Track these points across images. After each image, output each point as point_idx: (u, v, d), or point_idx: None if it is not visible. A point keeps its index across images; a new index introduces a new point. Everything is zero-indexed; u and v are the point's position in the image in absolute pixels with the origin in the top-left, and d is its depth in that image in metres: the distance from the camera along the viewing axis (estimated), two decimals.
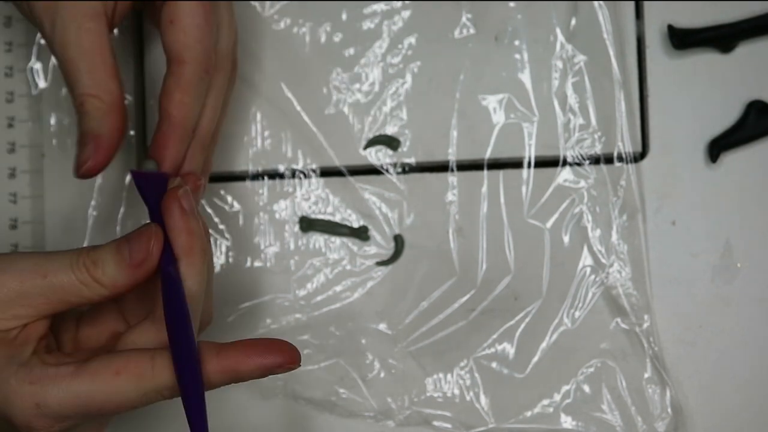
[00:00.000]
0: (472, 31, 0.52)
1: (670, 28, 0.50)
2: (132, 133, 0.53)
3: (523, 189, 0.51)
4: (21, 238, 0.53)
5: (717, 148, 0.50)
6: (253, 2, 0.53)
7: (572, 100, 0.51)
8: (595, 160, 0.51)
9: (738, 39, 0.50)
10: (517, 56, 0.51)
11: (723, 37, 0.50)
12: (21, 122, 0.54)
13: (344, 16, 0.52)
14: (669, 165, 0.51)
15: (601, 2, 0.50)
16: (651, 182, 0.51)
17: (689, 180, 0.50)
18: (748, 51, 0.50)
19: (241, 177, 0.53)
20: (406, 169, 0.52)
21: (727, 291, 0.50)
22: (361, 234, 0.52)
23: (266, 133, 0.53)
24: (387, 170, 0.52)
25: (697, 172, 0.50)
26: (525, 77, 0.51)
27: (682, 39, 0.50)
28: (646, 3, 0.51)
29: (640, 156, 0.51)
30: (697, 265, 0.50)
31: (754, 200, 0.50)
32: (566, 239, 0.51)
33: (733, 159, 0.50)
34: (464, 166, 0.51)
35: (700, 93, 0.50)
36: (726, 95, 0.50)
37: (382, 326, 0.52)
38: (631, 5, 0.51)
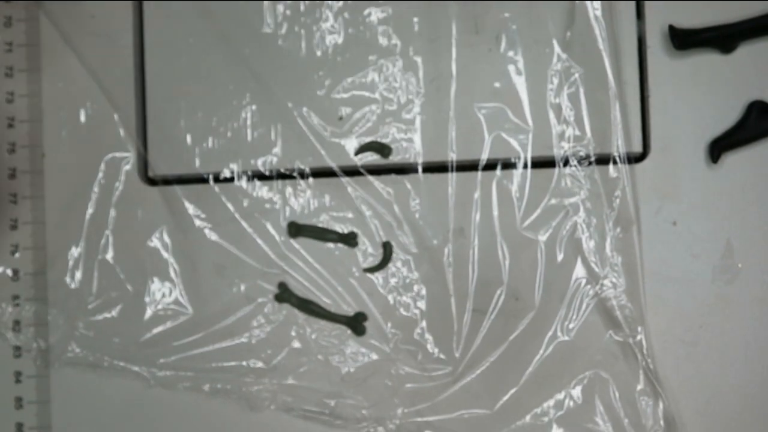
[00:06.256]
0: (467, 40, 0.51)
1: (671, 28, 0.50)
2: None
3: (516, 200, 0.51)
4: (21, 238, 0.53)
5: (718, 148, 0.50)
6: (250, 1, 0.53)
7: (567, 111, 0.51)
8: (590, 172, 0.50)
9: (739, 39, 0.50)
10: (512, 66, 0.51)
11: (724, 38, 0.50)
12: (21, 122, 0.54)
13: (341, 19, 0.52)
14: (670, 165, 0.51)
15: (597, 14, 0.50)
16: (652, 182, 0.50)
17: (690, 180, 0.50)
18: (749, 51, 0.50)
19: (230, 178, 0.52)
20: (398, 174, 0.52)
21: (727, 291, 0.50)
22: (349, 240, 0.52)
23: (257, 135, 0.52)
24: (378, 174, 0.52)
25: (698, 173, 0.50)
26: (520, 86, 0.51)
27: (683, 39, 0.50)
28: (647, 3, 0.51)
29: (640, 156, 0.51)
30: (698, 266, 0.50)
31: (755, 201, 0.50)
32: (560, 251, 0.50)
33: (734, 159, 0.50)
34: (458, 171, 0.51)
35: (701, 93, 0.50)
36: (727, 95, 0.50)
37: (376, 336, 0.51)
38: (632, 5, 0.51)
